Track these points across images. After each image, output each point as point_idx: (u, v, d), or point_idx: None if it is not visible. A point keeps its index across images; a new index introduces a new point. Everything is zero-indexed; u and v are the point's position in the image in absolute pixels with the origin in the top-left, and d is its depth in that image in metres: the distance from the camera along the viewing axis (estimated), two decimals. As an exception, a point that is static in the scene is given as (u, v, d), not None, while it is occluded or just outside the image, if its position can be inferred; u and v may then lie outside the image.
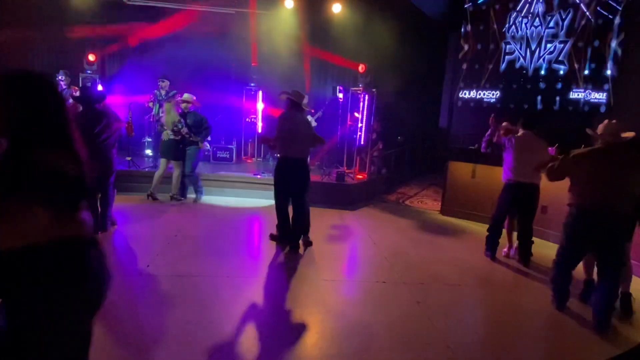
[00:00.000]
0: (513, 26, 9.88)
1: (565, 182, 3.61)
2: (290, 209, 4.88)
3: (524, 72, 9.76)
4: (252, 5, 9.10)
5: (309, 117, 8.30)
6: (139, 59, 9.29)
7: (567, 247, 3.54)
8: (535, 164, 4.20)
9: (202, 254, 4.46)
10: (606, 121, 3.45)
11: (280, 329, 3.09)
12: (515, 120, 4.89)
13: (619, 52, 8.42)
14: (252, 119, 9.50)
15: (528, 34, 9.66)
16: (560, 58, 9.23)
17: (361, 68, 8.17)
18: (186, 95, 6.62)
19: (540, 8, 9.46)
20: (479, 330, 3.40)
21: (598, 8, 8.65)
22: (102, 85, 8.62)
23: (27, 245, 1.34)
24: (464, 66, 10.66)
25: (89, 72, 8.49)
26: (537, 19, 9.51)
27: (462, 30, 10.65)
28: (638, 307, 3.82)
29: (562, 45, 9.19)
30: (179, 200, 6.58)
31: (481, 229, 6.13)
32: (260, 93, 9.40)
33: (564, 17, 9.14)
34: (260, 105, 9.40)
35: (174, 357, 2.65)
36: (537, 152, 4.50)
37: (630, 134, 3.49)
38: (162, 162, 6.51)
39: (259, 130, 9.25)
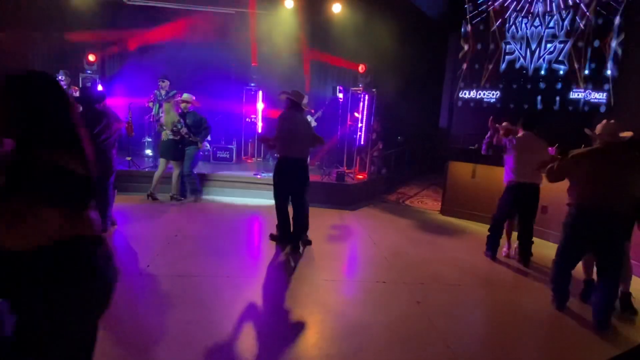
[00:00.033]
0: (513, 26, 9.89)
1: (565, 182, 3.61)
2: (290, 209, 4.88)
3: (524, 72, 9.77)
4: (252, 5, 9.10)
5: (309, 117, 8.31)
6: (139, 59, 9.29)
7: (566, 246, 3.54)
8: (536, 165, 4.20)
9: (202, 254, 4.46)
10: (604, 121, 3.46)
11: (280, 329, 3.09)
12: (515, 120, 4.89)
13: (619, 52, 8.42)
14: (252, 119, 9.51)
15: (528, 34, 9.67)
16: (560, 58, 9.23)
17: (361, 68, 8.18)
18: (185, 95, 6.62)
19: (540, 8, 9.46)
20: (479, 330, 3.40)
21: (598, 8, 8.65)
22: (102, 85, 8.63)
23: (38, 246, 1.34)
24: (464, 66, 10.67)
25: (89, 72, 8.50)
26: (537, 19, 9.52)
27: (462, 30, 10.66)
28: (638, 306, 3.82)
29: (562, 45, 9.19)
30: (179, 200, 6.58)
31: (481, 229, 6.13)
32: (260, 93, 9.40)
33: (564, 17, 9.15)
34: (260, 105, 9.40)
35: (174, 357, 2.65)
36: (538, 153, 4.50)
37: (628, 134, 3.49)
38: (162, 162, 6.51)
39: (259, 130, 9.25)
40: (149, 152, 8.48)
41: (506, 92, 10.04)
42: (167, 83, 7.87)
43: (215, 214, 6.16)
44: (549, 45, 9.38)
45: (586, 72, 8.86)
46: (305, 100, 4.92)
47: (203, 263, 4.21)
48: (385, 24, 8.92)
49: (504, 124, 5.14)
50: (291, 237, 4.84)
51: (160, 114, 7.00)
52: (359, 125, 8.31)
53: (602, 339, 3.24)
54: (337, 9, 9.20)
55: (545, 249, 4.99)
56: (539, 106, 9.51)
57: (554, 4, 9.26)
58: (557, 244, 3.70)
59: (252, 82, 9.52)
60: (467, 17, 10.54)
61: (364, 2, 9.16)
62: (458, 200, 6.84)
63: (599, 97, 8.68)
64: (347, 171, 7.92)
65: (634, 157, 3.34)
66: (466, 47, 10.65)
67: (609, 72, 8.55)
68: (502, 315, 3.63)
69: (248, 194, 7.13)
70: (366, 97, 8.23)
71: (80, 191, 1.43)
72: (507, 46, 9.99)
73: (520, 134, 4.64)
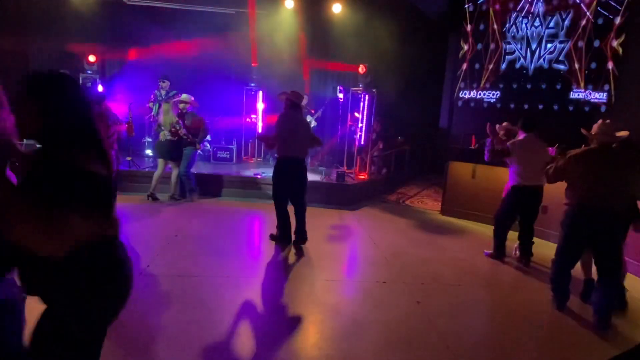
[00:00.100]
0: (513, 26, 9.89)
1: (565, 182, 3.61)
2: (290, 209, 4.89)
3: (524, 72, 9.77)
4: (252, 5, 9.10)
5: (309, 117, 8.32)
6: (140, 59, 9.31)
7: (565, 245, 3.55)
8: (541, 166, 4.20)
9: (202, 254, 4.46)
10: (600, 121, 3.47)
11: (280, 329, 3.09)
12: (515, 121, 4.88)
13: (620, 52, 8.42)
14: (252, 119, 9.51)
15: (528, 34, 9.67)
16: (560, 58, 9.23)
17: (361, 69, 8.18)
18: (184, 96, 6.63)
19: (540, 8, 9.46)
20: (479, 330, 3.40)
21: (598, 8, 8.65)
22: (102, 85, 8.64)
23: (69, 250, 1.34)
24: (464, 66, 10.67)
25: (89, 72, 8.50)
26: (538, 19, 9.52)
27: (462, 30, 10.66)
28: (638, 306, 3.82)
29: (562, 45, 9.19)
30: (177, 200, 6.59)
31: (481, 229, 6.14)
32: (260, 93, 9.40)
33: (564, 17, 9.14)
34: (260, 105, 9.40)
35: (174, 357, 2.65)
36: (540, 154, 4.52)
37: (624, 133, 3.51)
38: (160, 162, 6.52)
39: (259, 131, 9.26)
40: (149, 152, 8.49)
41: (506, 92, 10.04)
42: (167, 83, 7.88)
43: (215, 214, 6.16)
44: (549, 45, 9.38)
45: (586, 72, 8.86)
46: (304, 101, 4.93)
47: (203, 263, 4.21)
48: (386, 24, 8.93)
49: (504, 124, 5.14)
50: (296, 236, 4.87)
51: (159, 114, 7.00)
52: (359, 125, 8.32)
53: (602, 339, 3.24)
54: (337, 9, 9.20)
55: (545, 249, 4.99)
56: (540, 106, 9.50)
57: (554, 3, 9.26)
58: (557, 244, 3.71)
59: (252, 82, 9.52)
60: (467, 17, 10.54)
61: (364, 2, 9.16)
62: (458, 200, 6.83)
63: (599, 97, 8.68)
64: (347, 171, 7.92)
65: (630, 157, 3.36)
66: (466, 47, 10.65)
67: (609, 72, 8.55)
68: (502, 315, 3.63)
69: (248, 194, 7.13)
70: (366, 97, 8.23)
71: (103, 192, 1.44)
72: (508, 46, 9.99)
73: (521, 137, 4.62)
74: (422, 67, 10.76)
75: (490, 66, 10.24)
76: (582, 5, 8.87)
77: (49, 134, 1.39)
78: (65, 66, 8.19)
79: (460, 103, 10.81)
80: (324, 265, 4.47)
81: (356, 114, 8.42)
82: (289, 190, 4.82)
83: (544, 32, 9.43)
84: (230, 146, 9.05)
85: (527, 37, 9.68)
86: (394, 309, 3.51)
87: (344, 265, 4.72)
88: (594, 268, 3.73)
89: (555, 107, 9.31)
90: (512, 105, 9.93)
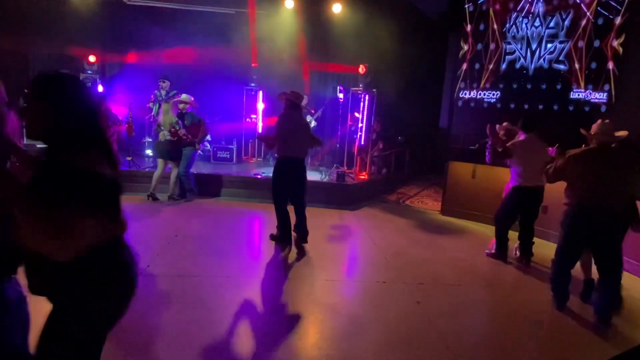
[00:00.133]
0: (514, 26, 9.89)
1: (565, 182, 3.61)
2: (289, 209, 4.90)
3: (525, 72, 9.76)
4: (252, 5, 9.10)
5: (309, 117, 8.32)
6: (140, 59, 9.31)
7: (565, 245, 3.55)
8: (541, 166, 4.20)
9: (202, 254, 4.46)
10: (599, 121, 3.48)
11: (280, 329, 3.09)
12: (515, 121, 4.88)
13: (620, 52, 8.41)
14: (252, 119, 9.51)
15: (528, 34, 9.66)
16: (560, 58, 9.23)
17: (361, 69, 8.18)
18: (184, 96, 6.63)
19: (540, 8, 9.46)
20: (479, 330, 3.40)
21: (598, 8, 8.65)
22: (102, 85, 8.65)
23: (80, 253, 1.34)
24: (464, 66, 10.67)
25: (89, 72, 8.50)
26: (538, 19, 9.52)
27: (462, 30, 10.66)
28: (638, 306, 3.83)
29: (562, 45, 9.19)
30: (177, 200, 6.59)
31: (481, 229, 6.14)
32: (260, 93, 9.40)
33: (564, 17, 9.14)
34: (260, 106, 9.41)
35: (174, 357, 2.65)
36: (541, 155, 4.52)
37: (623, 133, 3.51)
38: (160, 162, 6.53)
39: (259, 131, 9.26)
40: (149, 152, 8.49)
41: (506, 92, 10.04)
42: (167, 83, 7.88)
43: (215, 214, 6.16)
44: (549, 45, 9.38)
45: (587, 72, 8.86)
46: (304, 101, 4.93)
47: (203, 263, 4.21)
48: (386, 24, 8.92)
49: (504, 124, 5.13)
50: (296, 236, 4.88)
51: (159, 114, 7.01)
52: (359, 125, 8.32)
53: (602, 339, 3.24)
54: (337, 9, 9.20)
55: (545, 249, 4.99)
56: (540, 106, 9.50)
57: (554, 3, 9.25)
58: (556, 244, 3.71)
59: (252, 82, 9.52)
60: (467, 17, 10.54)
61: (364, 2, 9.16)
62: (458, 200, 6.83)
63: (599, 97, 8.68)
64: (347, 171, 7.92)
65: (629, 156, 3.37)
66: (466, 47, 10.65)
67: (609, 72, 8.55)
68: (502, 315, 3.63)
69: (248, 194, 7.13)
70: (366, 97, 8.23)
71: (112, 194, 1.45)
72: (508, 46, 9.99)
73: (522, 137, 4.62)
74: (422, 67, 10.76)
75: (491, 66, 10.24)
76: (582, 5, 8.87)
77: (57, 134, 1.39)
78: (65, 66, 8.21)
79: (460, 103, 10.82)
80: (324, 265, 4.47)
81: (356, 114, 8.42)
82: (289, 190, 4.82)
83: (544, 32, 9.43)
84: (230, 146, 9.05)
85: (527, 37, 9.68)
86: (393, 308, 3.51)
87: (344, 265, 4.72)
88: (594, 268, 3.73)
89: (555, 107, 9.31)
90: (512, 105, 9.93)
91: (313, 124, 8.36)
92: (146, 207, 6.18)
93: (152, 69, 8.64)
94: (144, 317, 3.07)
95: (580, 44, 8.90)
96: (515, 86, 9.90)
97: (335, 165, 8.16)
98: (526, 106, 9.65)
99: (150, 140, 8.52)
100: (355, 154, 8.56)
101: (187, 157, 6.55)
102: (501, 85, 10.10)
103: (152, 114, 7.88)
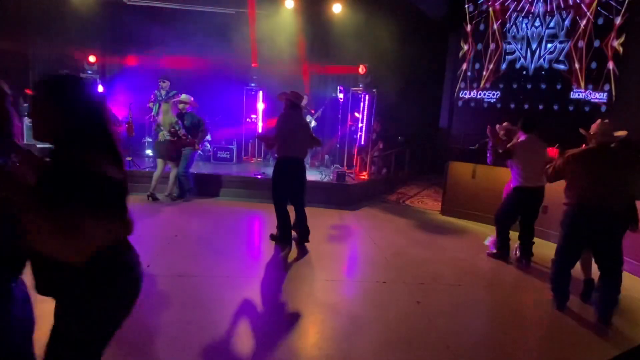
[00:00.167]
0: (514, 26, 9.88)
1: (565, 182, 3.62)
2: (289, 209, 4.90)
3: (525, 72, 9.76)
4: (252, 5, 9.10)
5: (309, 117, 8.32)
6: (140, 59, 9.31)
7: (564, 245, 3.55)
8: (542, 167, 4.20)
9: (202, 254, 4.47)
10: (599, 121, 3.48)
11: (280, 329, 3.09)
12: (515, 121, 4.88)
13: (620, 51, 8.41)
14: (253, 119, 9.51)
15: (528, 34, 9.66)
16: (560, 58, 9.23)
17: (361, 69, 8.18)
18: (184, 96, 6.63)
19: (540, 8, 9.46)
20: (479, 330, 3.40)
21: (599, 8, 8.65)
22: (102, 86, 8.64)
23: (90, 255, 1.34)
24: (464, 66, 10.67)
25: (89, 72, 8.50)
26: (538, 19, 9.52)
27: (462, 30, 10.66)
28: (638, 306, 3.83)
29: (562, 45, 9.19)
30: (175, 199, 6.59)
31: (481, 229, 6.14)
32: (260, 93, 9.40)
33: (564, 17, 9.14)
34: (260, 106, 9.41)
35: (174, 357, 2.65)
36: (541, 155, 4.53)
37: (622, 133, 3.52)
38: (159, 162, 6.53)
39: (259, 131, 9.27)
40: (149, 152, 8.49)
41: (506, 92, 10.04)
42: (167, 83, 7.88)
43: (215, 214, 6.16)
44: (549, 45, 9.37)
45: (587, 72, 8.85)
46: (304, 101, 4.93)
47: (203, 263, 4.21)
48: (386, 24, 8.92)
49: (504, 124, 5.13)
50: (298, 235, 4.89)
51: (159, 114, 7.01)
52: (359, 125, 8.32)
53: (602, 339, 3.24)
54: (337, 9, 9.20)
55: (545, 249, 4.99)
56: (540, 106, 9.50)
57: (554, 3, 9.25)
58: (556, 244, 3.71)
59: (252, 82, 9.53)
60: (467, 17, 10.54)
61: (364, 3, 9.16)
62: (458, 200, 6.83)
63: (599, 97, 8.68)
64: (347, 171, 7.92)
65: (628, 156, 3.37)
66: (466, 47, 10.65)
67: (609, 72, 8.55)
68: (502, 315, 3.62)
69: (248, 194, 7.13)
70: (366, 97, 8.23)
71: (120, 195, 1.45)
72: (508, 46, 9.99)
73: (522, 138, 4.61)
74: (422, 67, 10.75)
75: (491, 66, 10.24)
76: (582, 5, 8.86)
77: (64, 135, 1.39)
78: (65, 66, 8.21)
79: (460, 103, 10.81)
80: (324, 265, 4.47)
81: (356, 114, 8.42)
82: (289, 190, 4.83)
83: (544, 32, 9.43)
84: (230, 146, 9.05)
85: (527, 37, 9.68)
86: (394, 308, 3.51)
87: (344, 265, 4.72)
88: (594, 268, 3.74)
89: (556, 107, 9.31)
90: (512, 105, 9.93)
91: (313, 124, 8.36)
92: (146, 207, 6.18)
93: (152, 69, 8.64)
94: (144, 317, 3.07)
95: (581, 44, 8.90)
96: (515, 86, 9.90)
97: (335, 165, 8.16)
98: (526, 106, 9.65)
99: (150, 140, 8.52)
100: (355, 154, 8.56)
101: (187, 157, 6.55)
102: (501, 85, 10.10)
103: (152, 114, 7.88)
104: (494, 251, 4.94)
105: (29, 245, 1.27)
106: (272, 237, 5.01)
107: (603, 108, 8.61)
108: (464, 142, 9.35)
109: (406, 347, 2.95)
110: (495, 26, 10.14)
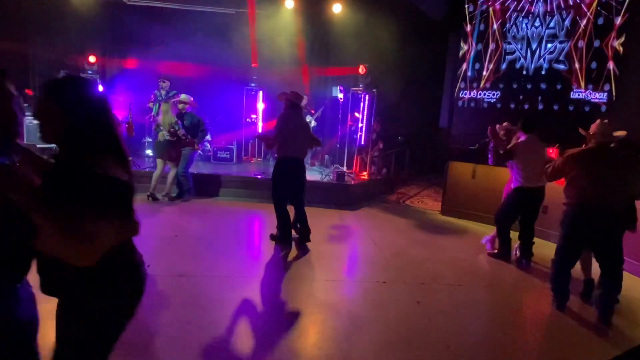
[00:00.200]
0: (514, 26, 9.88)
1: (565, 182, 3.62)
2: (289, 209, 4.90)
3: (525, 72, 9.76)
4: (252, 5, 9.10)
5: (309, 117, 8.33)
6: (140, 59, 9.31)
7: (564, 245, 3.55)
8: (542, 167, 4.20)
9: (203, 254, 4.47)
10: (598, 121, 3.48)
11: (280, 329, 3.09)
12: (515, 121, 4.88)
13: (620, 51, 8.41)
14: (253, 119, 9.51)
15: (528, 34, 9.66)
16: (560, 58, 9.23)
17: (361, 69, 8.17)
18: (183, 96, 6.63)
19: (540, 8, 9.45)
20: (479, 330, 3.40)
21: (599, 8, 8.65)
22: (102, 86, 8.64)
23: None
24: (464, 66, 10.66)
25: (89, 72, 8.50)
26: (538, 19, 9.51)
27: (462, 30, 10.65)
28: (638, 306, 3.83)
29: (562, 45, 9.19)
30: (173, 199, 6.58)
31: (482, 229, 6.13)
32: (260, 93, 9.40)
33: (564, 17, 9.14)
34: (260, 106, 9.41)
35: (174, 358, 2.65)
36: (541, 155, 4.53)
37: (621, 133, 3.52)
38: (159, 162, 6.53)
39: (259, 131, 9.27)
40: (149, 152, 8.49)
41: (506, 92, 10.03)
42: (167, 83, 7.87)
43: (215, 214, 6.16)
44: (549, 45, 9.37)
45: (587, 72, 8.85)
46: (304, 101, 4.94)
47: (203, 263, 4.21)
48: (386, 24, 8.92)
49: (505, 124, 5.13)
50: (299, 235, 4.89)
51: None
52: (359, 125, 8.32)
53: (602, 339, 3.25)
54: (337, 9, 9.20)
55: (545, 249, 4.98)
56: (540, 106, 9.50)
57: (554, 4, 9.25)
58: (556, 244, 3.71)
59: (253, 82, 9.52)
60: (467, 17, 10.54)
61: (364, 3, 9.16)
62: (458, 200, 6.83)
63: (599, 97, 8.68)
64: (347, 171, 7.92)
65: (628, 156, 3.37)
66: (466, 47, 10.65)
67: (609, 72, 8.54)
68: (502, 315, 3.62)
69: (248, 194, 7.13)
70: (366, 97, 8.23)
71: (127, 197, 1.46)
72: (508, 46, 9.99)
73: (523, 138, 4.61)
74: (422, 67, 10.74)
75: (491, 66, 10.23)
76: (582, 5, 8.86)
77: (71, 138, 1.39)
78: (65, 67, 8.21)
79: (460, 103, 10.81)
80: (324, 265, 4.47)
81: (356, 114, 8.42)
82: (289, 190, 4.83)
83: (544, 32, 9.43)
84: (230, 146, 9.05)
85: (528, 37, 9.67)
86: (394, 308, 3.51)
87: (344, 265, 4.72)
88: (594, 268, 3.74)
89: (556, 107, 9.30)
90: (512, 106, 9.93)
91: (313, 124, 8.36)
92: (146, 207, 6.17)
93: (152, 69, 8.64)
94: (144, 317, 3.07)
95: (581, 44, 8.90)
96: (515, 86, 9.90)
97: (335, 165, 8.16)
98: (526, 106, 9.64)
99: (150, 140, 8.52)
100: (355, 154, 8.56)
101: (186, 158, 6.55)
102: (501, 85, 10.09)
103: (152, 114, 7.88)
104: (495, 251, 4.94)
105: (37, 247, 1.27)
106: (272, 237, 5.01)
107: (603, 108, 8.60)
108: (464, 142, 9.34)
109: (406, 347, 2.95)
110: (495, 26, 10.14)
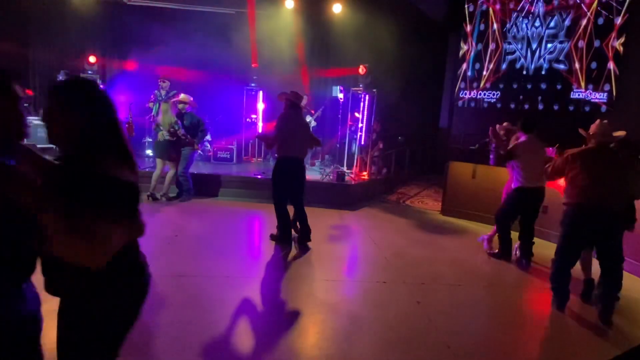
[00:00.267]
0: (514, 26, 9.88)
1: (565, 182, 3.62)
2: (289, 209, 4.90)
3: (525, 72, 9.76)
4: (252, 5, 9.10)
5: (309, 117, 8.33)
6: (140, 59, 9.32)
7: (565, 245, 3.56)
8: (542, 167, 4.20)
9: (202, 254, 4.47)
10: (598, 121, 3.49)
11: (280, 329, 3.09)
12: (515, 121, 4.88)
13: (620, 52, 8.41)
14: (253, 119, 9.51)
15: (529, 34, 9.66)
16: (560, 58, 9.23)
17: (361, 69, 8.18)
18: (183, 96, 6.62)
19: (540, 8, 9.46)
20: (479, 330, 3.40)
21: (599, 8, 8.65)
22: (102, 86, 8.63)
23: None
24: (464, 66, 10.67)
25: (90, 72, 8.50)
26: (538, 19, 9.51)
27: (462, 30, 10.66)
28: (638, 306, 3.83)
29: (562, 45, 9.19)
30: (171, 199, 6.58)
31: (482, 229, 6.13)
32: (260, 93, 9.40)
33: (564, 17, 9.14)
34: (260, 106, 9.41)
35: (174, 358, 2.65)
36: (541, 155, 4.53)
37: (621, 133, 3.53)
38: (158, 162, 6.53)
39: (259, 131, 9.27)
40: (149, 152, 8.49)
41: (506, 92, 10.04)
42: (167, 83, 7.87)
43: (215, 214, 6.16)
44: (549, 45, 9.37)
45: (587, 72, 8.85)
46: (304, 101, 4.94)
47: (203, 263, 4.21)
48: (386, 24, 8.93)
49: (505, 124, 5.14)
50: (299, 235, 4.89)
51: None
52: (359, 125, 8.32)
53: (603, 339, 3.24)
54: (337, 9, 9.20)
55: (545, 249, 4.98)
56: (540, 106, 9.50)
57: (554, 3, 9.25)
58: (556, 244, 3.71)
59: (253, 82, 9.52)
60: (467, 17, 10.54)
61: (364, 3, 9.16)
62: (458, 200, 6.83)
63: (599, 97, 8.68)
64: (347, 171, 7.92)
65: (627, 157, 3.38)
66: (466, 47, 10.65)
67: (609, 72, 8.55)
68: (502, 315, 3.62)
69: (248, 194, 7.13)
70: (366, 97, 8.23)
71: (135, 199, 1.46)
72: (508, 46, 9.99)
73: (523, 138, 4.62)
74: (422, 67, 10.76)
75: (491, 66, 10.23)
76: (582, 5, 8.86)
77: (78, 139, 1.39)
78: (65, 67, 8.21)
79: (460, 103, 10.81)
80: (324, 265, 4.47)
81: (356, 114, 8.42)
82: (289, 190, 4.83)
83: (544, 32, 9.43)
84: (230, 146, 9.05)
85: (528, 37, 9.67)
86: (394, 308, 3.51)
87: (344, 265, 4.71)
88: (594, 268, 3.74)
89: (556, 107, 9.31)
90: (512, 106, 9.93)
91: (313, 124, 8.37)
92: (146, 207, 6.14)
93: (152, 69, 8.64)
94: (144, 317, 3.06)
95: (581, 43, 8.90)
96: (515, 86, 9.90)
97: (335, 165, 8.16)
98: (526, 106, 9.65)
99: (150, 140, 8.52)
100: (355, 153, 8.56)
101: (186, 158, 6.54)
102: (501, 85, 10.09)
103: (152, 114, 7.88)
104: (495, 251, 4.94)
105: (47, 249, 1.27)
106: (272, 237, 5.01)
107: (603, 108, 8.61)
108: (464, 142, 9.35)
109: (406, 347, 2.95)
110: (495, 26, 10.14)
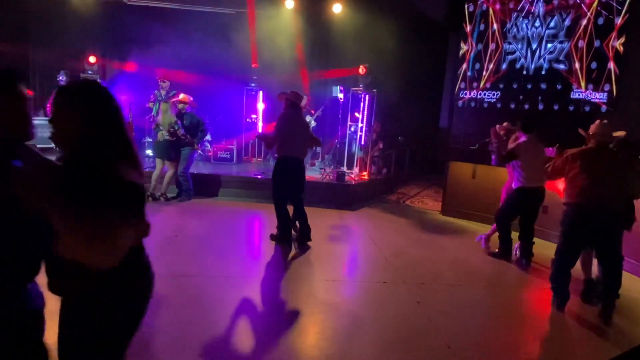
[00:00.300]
0: (514, 26, 9.88)
1: (564, 182, 3.62)
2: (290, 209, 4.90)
3: (525, 72, 9.76)
4: (252, 5, 9.10)
5: (309, 117, 8.33)
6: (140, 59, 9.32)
7: (564, 244, 3.56)
8: (542, 167, 4.20)
9: (203, 254, 4.47)
10: (598, 121, 3.49)
11: (280, 329, 3.09)
12: (515, 121, 4.88)
13: (620, 52, 8.41)
14: (253, 119, 9.51)
15: (529, 34, 9.66)
16: (561, 58, 9.23)
17: (361, 69, 8.18)
18: (182, 96, 6.62)
19: (540, 8, 9.45)
20: (479, 330, 3.40)
21: (599, 8, 8.65)
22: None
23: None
24: (464, 66, 10.66)
25: (90, 72, 8.50)
26: (538, 19, 9.51)
27: (462, 30, 10.65)
28: (638, 306, 3.83)
29: (562, 45, 9.18)
30: (168, 199, 6.57)
31: (482, 229, 6.13)
32: (260, 93, 9.40)
33: (564, 17, 9.14)
34: (260, 106, 9.41)
35: (175, 358, 2.65)
36: (541, 155, 4.53)
37: (621, 133, 3.53)
38: (158, 162, 6.53)
39: (259, 131, 9.27)
40: (149, 152, 8.49)
41: (506, 92, 10.03)
42: (167, 83, 7.86)
43: (215, 214, 6.16)
44: (549, 45, 9.37)
45: (587, 72, 8.85)
46: (304, 101, 4.94)
47: (203, 263, 4.21)
48: (386, 24, 8.92)
49: (505, 124, 5.14)
50: (300, 235, 4.89)
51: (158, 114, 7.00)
52: (360, 125, 8.32)
53: (603, 339, 3.24)
54: (337, 9, 9.20)
55: (545, 249, 4.98)
56: (540, 106, 9.50)
57: (554, 3, 9.25)
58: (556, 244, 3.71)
59: (253, 82, 9.52)
60: (467, 17, 10.54)
61: (364, 3, 9.16)
62: (458, 200, 6.83)
63: (599, 97, 8.67)
64: (347, 171, 7.92)
65: (627, 157, 3.38)
66: (466, 47, 10.65)
67: (610, 72, 8.54)
68: (502, 315, 3.62)
69: (248, 194, 7.13)
70: (366, 97, 8.23)
71: (139, 199, 1.46)
72: (508, 46, 9.98)
73: (523, 138, 4.62)
74: (422, 67, 10.75)
75: (491, 66, 10.23)
76: (582, 5, 8.86)
77: (85, 141, 1.39)
78: (66, 67, 8.21)
79: (460, 103, 10.81)
80: (324, 265, 4.47)
81: (356, 114, 8.42)
82: (289, 190, 4.83)
83: (544, 33, 9.42)
84: (230, 146, 9.05)
85: (528, 37, 9.67)
86: (394, 308, 3.51)
87: (344, 265, 4.72)
88: (594, 268, 3.74)
89: (556, 107, 9.30)
90: (512, 105, 9.92)
91: (313, 124, 8.37)
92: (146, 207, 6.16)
93: (152, 69, 8.63)
94: (145, 317, 3.07)
95: (581, 44, 8.90)
96: (515, 86, 9.89)
97: (335, 165, 8.16)
98: (526, 106, 9.64)
99: (150, 140, 8.52)
100: (355, 153, 8.56)
101: (186, 158, 6.54)
102: (501, 85, 10.09)
103: (152, 114, 7.88)
104: (495, 250, 4.94)
105: (57, 251, 1.28)
106: (272, 237, 5.01)
107: (603, 108, 8.60)
108: (464, 142, 9.33)
109: (406, 347, 2.95)
110: (495, 26, 10.14)
